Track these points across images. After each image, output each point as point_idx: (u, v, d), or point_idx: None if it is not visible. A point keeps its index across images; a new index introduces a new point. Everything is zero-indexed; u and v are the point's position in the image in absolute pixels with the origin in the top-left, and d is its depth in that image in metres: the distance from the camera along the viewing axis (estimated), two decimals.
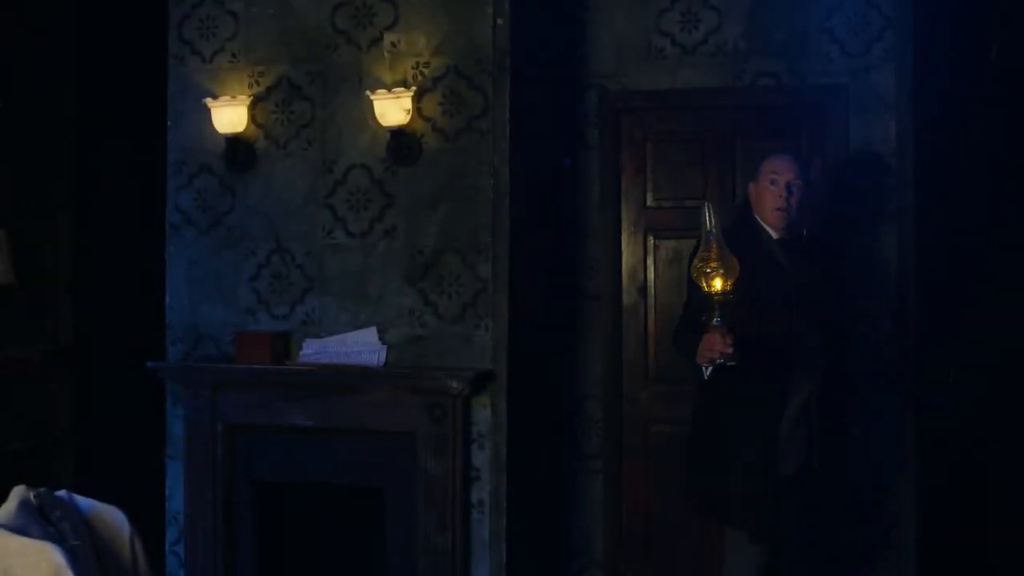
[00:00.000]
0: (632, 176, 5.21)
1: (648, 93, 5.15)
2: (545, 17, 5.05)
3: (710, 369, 3.56)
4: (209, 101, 4.67)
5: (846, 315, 4.34)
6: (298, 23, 4.69)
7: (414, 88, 4.50)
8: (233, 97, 4.67)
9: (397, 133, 4.50)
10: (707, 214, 3.46)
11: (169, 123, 4.83)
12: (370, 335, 4.56)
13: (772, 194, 3.95)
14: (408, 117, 4.47)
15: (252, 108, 4.71)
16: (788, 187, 3.93)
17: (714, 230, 3.44)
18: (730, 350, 3.49)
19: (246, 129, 4.69)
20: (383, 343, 4.56)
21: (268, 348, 4.57)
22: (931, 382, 4.66)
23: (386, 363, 4.52)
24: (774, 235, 3.98)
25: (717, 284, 3.41)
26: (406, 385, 4.44)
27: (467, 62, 4.50)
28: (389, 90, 4.48)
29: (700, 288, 3.49)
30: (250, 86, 4.73)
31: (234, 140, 4.69)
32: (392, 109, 4.46)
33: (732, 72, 5.04)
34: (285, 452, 4.65)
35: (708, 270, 3.42)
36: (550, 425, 5.14)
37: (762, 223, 4.00)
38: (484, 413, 4.45)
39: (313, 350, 4.59)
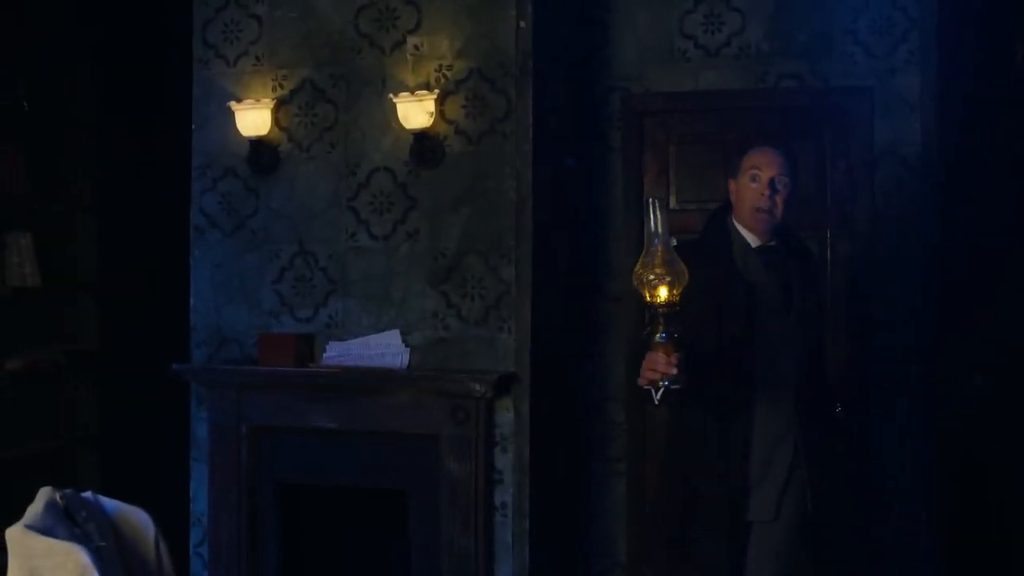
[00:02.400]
0: (655, 178, 5.20)
1: (671, 95, 5.14)
2: (568, 20, 5.05)
3: (660, 393, 3.02)
4: (233, 104, 4.69)
5: (822, 337, 3.81)
6: (321, 26, 4.70)
7: (437, 91, 4.51)
8: (257, 100, 4.69)
9: (420, 136, 4.51)
10: (652, 213, 2.97)
11: (193, 126, 4.86)
12: (393, 337, 4.57)
13: (753, 192, 3.44)
14: (431, 120, 4.48)
15: (276, 111, 4.72)
16: (772, 184, 3.41)
17: (660, 231, 2.96)
18: (674, 371, 2.95)
19: (270, 132, 4.71)
20: (406, 345, 4.56)
21: (292, 350, 4.58)
22: (952, 384, 4.64)
23: (409, 365, 4.53)
24: (753, 242, 3.48)
25: (662, 293, 2.92)
26: (429, 388, 4.44)
27: (490, 65, 4.51)
28: (412, 93, 4.49)
29: (643, 298, 2.97)
30: (274, 89, 4.75)
31: (258, 143, 4.71)
32: (415, 112, 4.47)
33: (755, 74, 5.03)
34: (309, 454, 4.66)
35: (651, 277, 2.92)
36: (573, 427, 5.13)
37: (740, 228, 3.50)
38: (507, 416, 4.45)
39: (336, 352, 4.60)
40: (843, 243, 4.90)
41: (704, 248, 3.52)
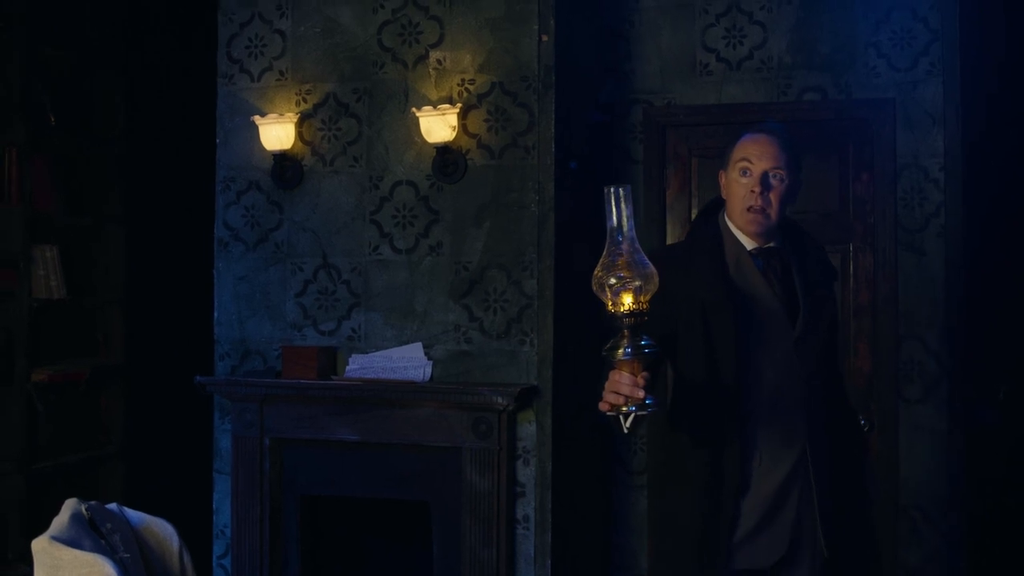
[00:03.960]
0: (677, 191, 5.20)
1: (693, 108, 5.14)
2: (590, 33, 5.07)
3: (629, 420, 2.53)
4: (257, 119, 4.72)
5: (837, 356, 3.27)
6: (345, 41, 4.74)
7: (460, 105, 4.53)
8: (281, 115, 4.72)
9: (443, 150, 4.53)
10: (615, 204, 2.48)
11: (218, 140, 4.89)
12: (416, 350, 4.58)
13: (743, 188, 2.98)
14: (454, 134, 4.50)
15: (299, 125, 4.75)
16: (764, 180, 2.95)
17: (624, 226, 2.47)
18: (641, 393, 2.46)
19: (293, 146, 4.74)
20: (429, 358, 4.58)
21: (314, 363, 4.60)
22: (980, 398, 4.61)
23: (432, 378, 4.54)
24: (748, 244, 3.02)
25: (627, 301, 2.43)
26: (452, 401, 4.45)
27: (512, 79, 4.53)
28: (435, 107, 4.52)
29: (605, 306, 2.47)
30: (297, 103, 4.78)
31: (281, 157, 4.74)
32: (438, 126, 4.49)
33: (777, 87, 5.03)
34: (331, 466, 4.67)
35: (613, 281, 2.43)
36: (595, 440, 5.13)
37: (732, 227, 3.05)
38: (529, 428, 4.45)
39: (359, 365, 4.62)
40: (866, 256, 4.89)
41: (691, 251, 3.05)
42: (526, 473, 4.47)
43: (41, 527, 3.03)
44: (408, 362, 4.56)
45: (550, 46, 4.50)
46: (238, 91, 4.87)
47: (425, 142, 4.55)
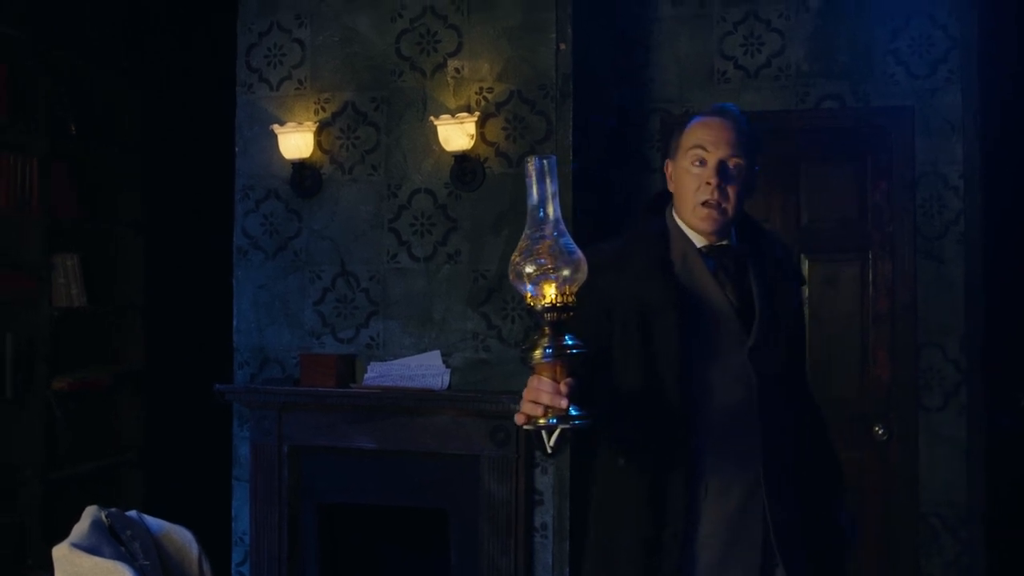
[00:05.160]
0: None
1: None
2: (607, 41, 5.07)
3: (554, 436, 2.09)
4: (276, 127, 4.74)
5: (804, 371, 2.80)
6: (363, 50, 4.75)
7: (478, 113, 4.54)
8: (299, 123, 4.74)
9: (461, 158, 4.54)
10: (535, 177, 2.11)
11: (237, 149, 4.92)
12: (434, 358, 4.59)
13: (695, 179, 2.56)
14: (472, 142, 4.51)
15: (318, 134, 4.77)
16: (722, 170, 2.54)
17: (549, 205, 2.10)
18: (564, 403, 2.03)
19: (312, 155, 4.76)
20: (447, 366, 4.58)
21: (333, 371, 4.61)
22: (1000, 406, 4.59)
23: (450, 386, 4.55)
24: (698, 242, 2.61)
25: (549, 292, 2.03)
26: (470, 408, 4.45)
27: (530, 87, 4.54)
28: (453, 115, 4.53)
29: (523, 299, 2.09)
30: (316, 112, 4.80)
31: (300, 165, 4.76)
32: (456, 134, 4.50)
33: (795, 95, 5.02)
34: (349, 474, 4.68)
35: (530, 269, 2.05)
36: None
37: (680, 224, 2.64)
38: None
39: (377, 373, 4.63)
40: (885, 264, 4.87)
41: (627, 249, 2.60)
42: (544, 481, 4.46)
43: (61, 534, 3.04)
44: (426, 370, 4.56)
45: (568, 55, 4.51)
46: (257, 100, 4.89)
47: (443, 150, 4.57)
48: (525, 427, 2.10)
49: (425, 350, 4.62)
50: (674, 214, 2.66)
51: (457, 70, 4.63)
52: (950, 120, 4.82)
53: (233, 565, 4.90)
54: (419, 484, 4.59)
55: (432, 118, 4.56)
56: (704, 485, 2.48)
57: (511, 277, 2.08)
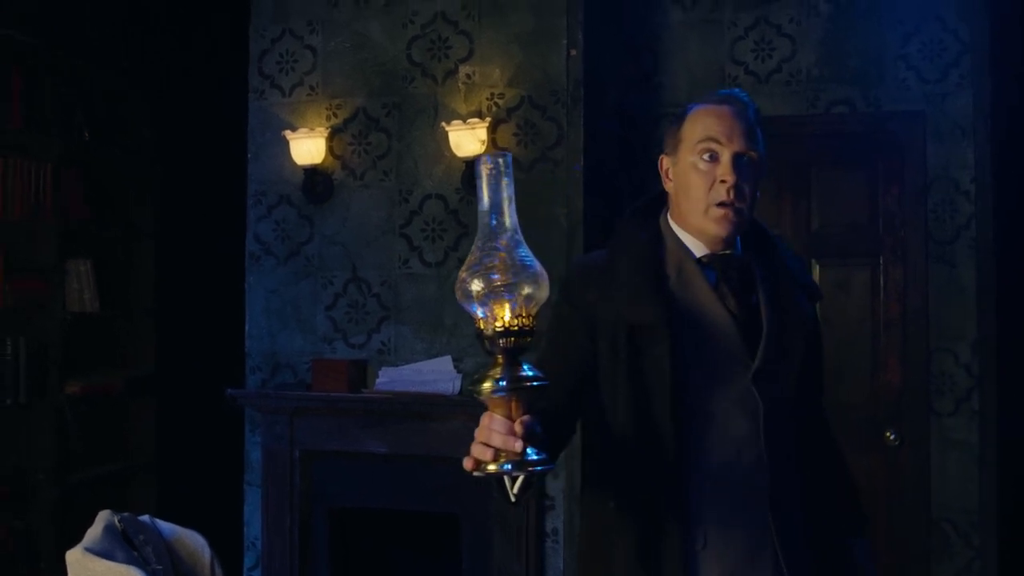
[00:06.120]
0: None
1: None
2: (618, 47, 5.08)
3: (517, 484, 1.80)
4: (288, 133, 4.76)
5: (820, 398, 2.42)
6: (375, 56, 4.77)
7: (489, 119, 4.55)
8: (311, 129, 4.75)
9: (472, 163, 4.55)
10: (485, 179, 1.79)
11: (249, 155, 4.93)
12: (445, 363, 4.59)
13: (706, 178, 2.20)
14: (483, 147, 4.51)
15: (330, 140, 4.79)
16: (738, 165, 2.19)
17: (502, 209, 1.79)
18: (519, 446, 1.71)
19: (324, 160, 4.77)
20: (458, 371, 4.58)
21: (344, 376, 4.62)
22: (1012, 411, 4.58)
23: (461, 391, 4.55)
24: (697, 251, 2.25)
25: (503, 314, 1.72)
26: (481, 414, 4.44)
27: (541, 93, 4.55)
28: (464, 121, 4.54)
29: (475, 322, 1.76)
30: (328, 118, 4.82)
31: (312, 171, 4.77)
32: (467, 140, 4.51)
33: (806, 100, 5.01)
34: (361, 479, 4.69)
35: (478, 287, 1.72)
36: None
37: (678, 231, 2.28)
38: None
39: (389, 378, 4.63)
40: (896, 268, 4.87)
41: (617, 260, 2.24)
42: (555, 487, 4.47)
43: (74, 539, 3.06)
44: (438, 375, 4.57)
45: (579, 60, 4.51)
46: (269, 106, 4.91)
47: (454, 156, 4.58)
48: (475, 473, 1.77)
49: (436, 355, 4.63)
50: (669, 219, 2.30)
51: (468, 76, 4.65)
52: (961, 124, 4.81)
53: (245, 570, 4.91)
54: (430, 489, 4.59)
55: (443, 124, 4.57)
56: (702, 533, 2.14)
57: (458, 296, 1.75)
